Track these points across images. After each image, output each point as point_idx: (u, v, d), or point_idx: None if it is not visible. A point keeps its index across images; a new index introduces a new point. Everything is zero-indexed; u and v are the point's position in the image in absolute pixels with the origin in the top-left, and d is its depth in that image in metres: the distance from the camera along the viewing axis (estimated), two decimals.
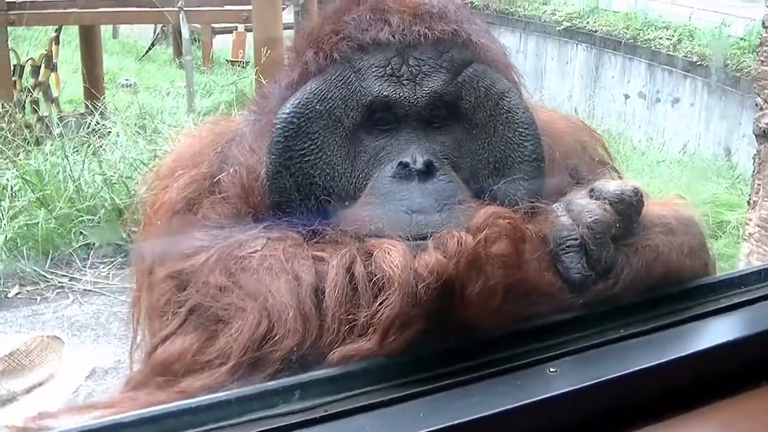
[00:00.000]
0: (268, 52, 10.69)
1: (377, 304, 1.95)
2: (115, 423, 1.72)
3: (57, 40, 15.26)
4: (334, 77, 2.45)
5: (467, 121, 2.47)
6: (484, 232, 1.99)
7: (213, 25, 22.61)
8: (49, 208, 9.43)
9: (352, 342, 1.96)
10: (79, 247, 9.08)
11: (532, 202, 2.24)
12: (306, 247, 2.19)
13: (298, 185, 2.38)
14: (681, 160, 18.47)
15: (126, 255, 8.62)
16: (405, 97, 2.42)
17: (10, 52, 14.44)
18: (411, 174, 2.31)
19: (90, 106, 13.10)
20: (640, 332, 2.11)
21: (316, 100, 2.42)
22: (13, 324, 8.14)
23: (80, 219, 9.29)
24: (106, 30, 21.17)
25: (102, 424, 1.72)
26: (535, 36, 34.12)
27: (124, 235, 8.81)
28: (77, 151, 10.70)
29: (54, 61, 14.98)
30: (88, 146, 10.74)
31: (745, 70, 24.97)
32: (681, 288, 2.27)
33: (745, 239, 6.40)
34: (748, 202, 6.42)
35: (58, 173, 9.84)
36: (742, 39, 26.24)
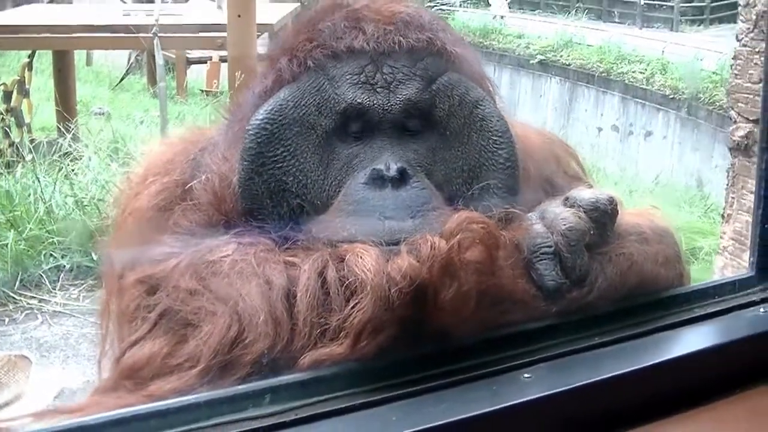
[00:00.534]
0: (242, 76, 10.69)
1: (349, 308, 1.94)
2: (81, 426, 1.71)
3: (30, 65, 15.19)
4: (307, 84, 2.44)
5: (441, 129, 2.47)
6: (458, 237, 1.98)
7: (188, 55, 22.58)
8: (19, 229, 9.35)
9: (323, 346, 1.94)
10: (49, 268, 9.02)
11: (506, 209, 2.23)
12: (278, 252, 2.17)
13: (270, 192, 2.36)
14: (654, 190, 18.57)
15: (97, 277, 8.57)
16: (379, 105, 2.41)
17: None
18: (384, 181, 2.30)
19: (62, 129, 13.06)
20: (614, 340, 2.11)
21: (289, 107, 2.41)
22: None
23: (50, 241, 9.23)
24: (79, 58, 21.13)
25: (68, 426, 1.71)
26: (510, 69, 34.36)
27: (95, 257, 8.76)
28: (48, 173, 10.67)
29: (27, 87, 14.89)
30: (60, 169, 10.70)
31: (718, 104, 25.17)
32: (655, 297, 2.27)
33: (719, 252, 6.42)
34: (722, 216, 6.46)
35: (28, 195, 9.80)
36: (714, 73, 26.45)
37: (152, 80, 20.61)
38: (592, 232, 2.14)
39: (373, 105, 2.41)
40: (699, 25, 40.45)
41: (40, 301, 8.69)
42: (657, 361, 2.08)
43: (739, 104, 6.02)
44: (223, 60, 19.44)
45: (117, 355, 2.24)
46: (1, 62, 19.44)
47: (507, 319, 2.07)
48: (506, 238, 2.10)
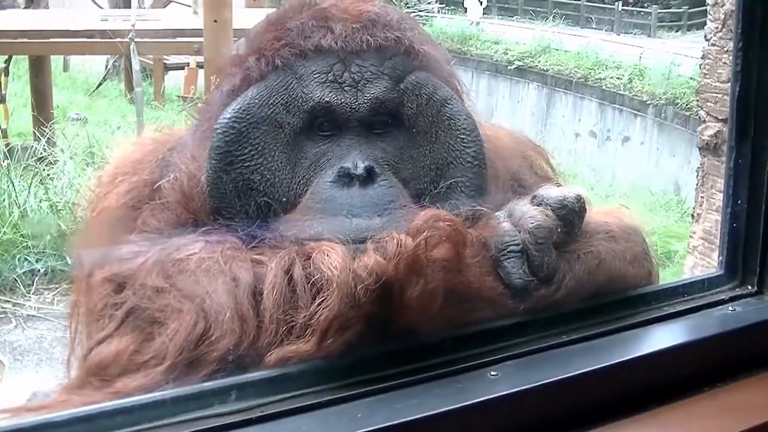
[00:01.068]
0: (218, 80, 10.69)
1: (316, 305, 1.93)
2: (47, 422, 1.70)
3: (6, 71, 15.17)
4: (275, 83, 2.44)
5: (409, 127, 2.47)
6: (424, 234, 1.98)
7: (165, 61, 22.56)
8: None
9: (290, 343, 1.93)
10: (23, 272, 8.99)
11: (473, 207, 2.23)
12: (245, 250, 2.17)
13: (238, 191, 2.36)
14: (630, 194, 18.65)
15: (71, 281, 8.54)
16: (346, 103, 2.41)
17: None
18: (352, 179, 2.30)
19: (38, 134, 13.03)
20: (582, 338, 2.12)
21: (257, 106, 2.41)
22: None
23: (25, 245, 9.20)
24: (56, 64, 21.07)
25: (33, 423, 1.69)
26: (487, 75, 34.43)
27: (69, 261, 8.74)
28: (24, 178, 10.63)
29: (3, 92, 14.87)
30: (35, 174, 10.67)
31: (694, 110, 25.29)
32: (624, 295, 2.28)
33: (689, 252, 6.45)
34: (692, 215, 6.48)
35: (3, 199, 9.76)
36: (691, 78, 26.58)
37: (129, 86, 20.55)
38: (559, 230, 2.14)
39: (341, 104, 2.41)
40: (677, 31, 40.67)
41: (14, 304, 8.66)
42: (625, 358, 2.09)
43: (708, 104, 6.05)
44: (200, 66, 19.42)
45: (84, 352, 2.24)
46: None
47: (474, 317, 2.07)
48: (473, 236, 2.11)
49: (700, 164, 6.27)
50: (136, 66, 13.40)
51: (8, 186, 10.01)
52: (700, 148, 6.23)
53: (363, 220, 2.22)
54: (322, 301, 1.92)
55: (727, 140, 2.45)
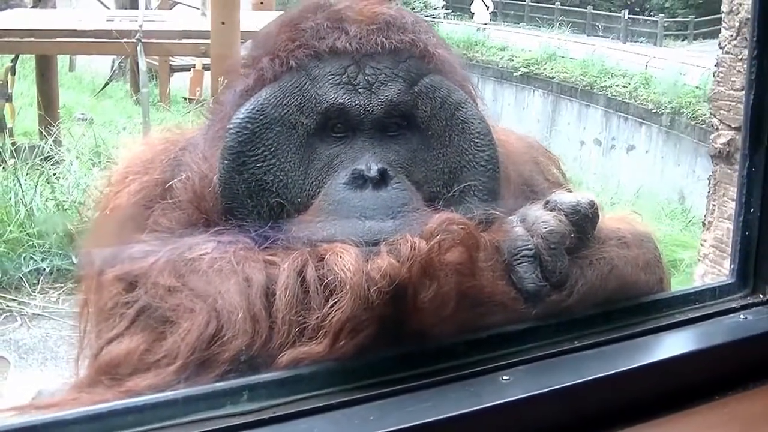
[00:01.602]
0: (225, 83, 10.69)
1: (328, 307, 1.93)
2: (58, 420, 1.69)
3: (13, 70, 15.14)
4: (289, 84, 2.44)
5: (423, 130, 2.47)
6: (438, 237, 1.97)
7: (171, 62, 22.57)
8: None
9: (302, 345, 1.93)
10: (28, 271, 8.99)
11: (486, 211, 2.23)
12: (257, 251, 2.16)
13: (250, 191, 2.36)
14: (635, 203, 18.63)
15: (76, 280, 8.54)
16: (360, 105, 2.40)
17: None
18: (365, 182, 2.30)
19: (45, 133, 13.04)
20: (593, 344, 2.11)
21: (270, 107, 2.40)
22: None
23: (30, 243, 9.20)
24: (62, 64, 21.07)
25: (45, 420, 1.69)
26: (493, 81, 34.45)
27: (75, 260, 8.74)
28: (30, 177, 10.64)
29: (9, 91, 14.84)
30: (41, 173, 10.68)
31: (700, 119, 25.28)
32: (635, 302, 2.27)
33: (699, 260, 6.44)
34: (703, 223, 6.48)
35: (9, 198, 9.76)
36: (697, 88, 26.57)
37: (135, 87, 20.55)
38: (572, 235, 2.14)
39: (355, 105, 2.41)
40: (683, 41, 40.69)
41: (19, 303, 8.66)
42: (637, 365, 2.08)
43: (722, 111, 6.05)
44: (206, 68, 19.44)
45: (95, 351, 2.23)
46: None
47: (486, 321, 2.06)
48: (486, 240, 2.10)
49: (712, 172, 6.27)
50: (142, 67, 13.41)
51: (15, 185, 10.01)
52: (712, 156, 6.23)
53: (376, 223, 2.22)
54: (335, 302, 1.92)
55: (740, 148, 2.45)
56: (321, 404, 1.79)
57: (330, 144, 2.42)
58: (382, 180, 2.30)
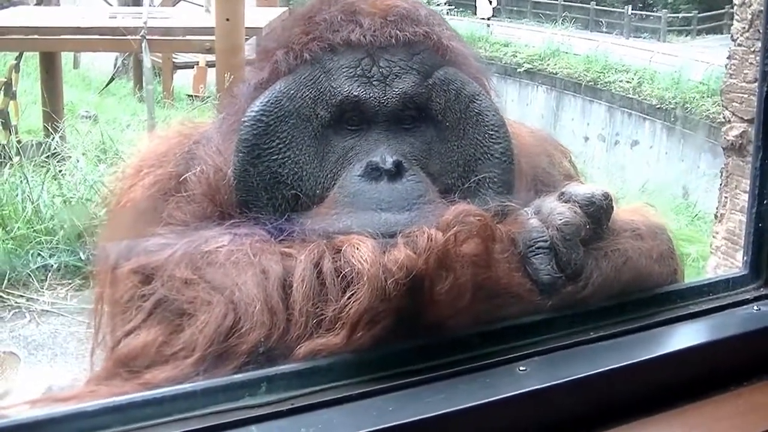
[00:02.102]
0: (231, 78, 10.70)
1: (345, 298, 1.93)
2: (79, 412, 1.70)
3: (17, 67, 15.12)
4: (304, 77, 2.44)
5: (437, 122, 2.47)
6: (454, 229, 1.98)
7: (174, 60, 22.57)
8: (7, 228, 9.35)
9: (319, 336, 1.93)
10: (36, 267, 8.98)
11: (502, 203, 2.23)
12: (273, 243, 2.17)
13: (265, 184, 2.36)
14: (640, 198, 18.65)
15: (84, 276, 8.56)
16: (375, 98, 2.41)
17: None
18: (380, 174, 2.30)
19: (50, 130, 13.05)
20: (609, 335, 2.12)
21: (285, 99, 2.41)
22: None
23: (38, 240, 9.20)
24: (66, 61, 21.07)
25: (65, 412, 1.69)
26: (496, 77, 34.47)
27: (82, 257, 8.75)
28: (36, 173, 10.65)
29: (13, 89, 14.82)
30: (48, 170, 10.69)
31: (704, 114, 25.30)
32: (650, 293, 2.27)
33: (712, 252, 6.44)
34: (716, 215, 6.47)
35: (16, 195, 9.77)
36: (701, 83, 26.57)
37: (139, 84, 20.55)
38: (587, 227, 2.14)
39: (370, 98, 2.41)
40: (686, 36, 40.66)
41: (28, 299, 8.65)
42: (652, 356, 2.09)
43: (734, 104, 6.04)
44: (209, 65, 19.44)
45: (112, 344, 2.24)
46: None
47: (502, 313, 2.07)
48: (502, 231, 2.11)
49: (725, 164, 6.27)
50: (147, 64, 13.40)
51: (22, 182, 10.02)
52: (724, 149, 6.23)
53: (391, 215, 2.22)
54: (352, 294, 1.92)
55: (753, 140, 2.45)
56: (339, 395, 1.80)
57: (345, 136, 2.43)
58: (397, 172, 2.31)
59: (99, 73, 25.38)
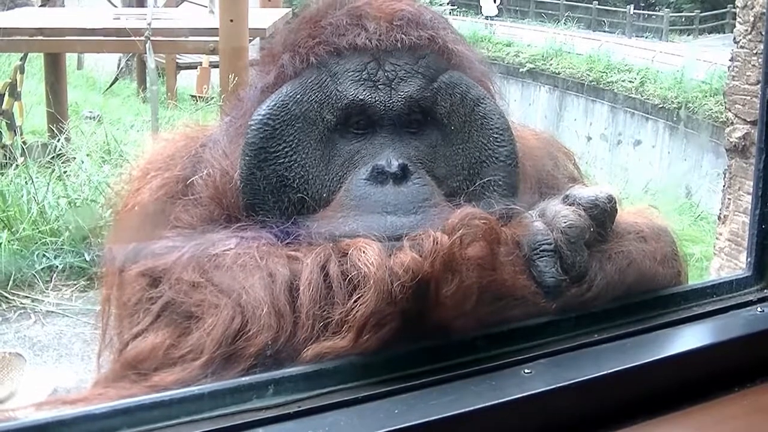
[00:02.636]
0: (236, 79, 10.73)
1: (352, 301, 1.94)
2: (87, 414, 1.70)
3: (22, 68, 15.10)
4: (310, 80, 2.45)
5: (443, 126, 2.48)
6: (460, 232, 1.98)
7: (177, 60, 22.56)
8: (12, 229, 9.35)
9: (326, 339, 1.94)
10: (41, 268, 8.99)
11: (507, 206, 2.24)
12: (280, 246, 2.18)
13: (272, 187, 2.37)
14: (643, 198, 18.64)
15: (89, 277, 8.57)
16: (381, 102, 2.42)
17: None
18: (386, 177, 2.31)
19: (55, 131, 13.05)
20: (613, 337, 2.12)
21: (291, 103, 2.42)
22: None
23: (43, 241, 9.21)
24: (70, 62, 21.06)
25: (73, 415, 1.70)
26: (499, 77, 34.40)
27: (87, 258, 8.75)
28: (41, 174, 10.65)
29: (18, 89, 14.81)
30: (53, 171, 10.69)
31: (707, 113, 25.27)
32: (654, 295, 2.28)
33: (715, 253, 6.44)
34: (719, 217, 6.47)
35: (21, 196, 9.77)
36: (703, 82, 26.53)
37: (143, 85, 20.54)
38: (591, 229, 2.15)
39: (375, 102, 2.42)
40: (688, 35, 40.63)
41: (33, 300, 8.65)
42: (657, 357, 2.09)
43: (737, 106, 6.04)
44: (213, 65, 19.44)
45: (119, 346, 2.25)
46: None
47: (507, 315, 2.07)
48: (507, 234, 2.12)
49: (728, 166, 6.27)
50: (151, 64, 13.41)
51: (27, 182, 10.02)
52: (727, 150, 6.23)
53: (397, 218, 2.23)
54: (359, 297, 1.93)
55: (756, 142, 2.45)
56: (346, 398, 1.80)
57: (350, 140, 2.44)
58: (402, 175, 2.31)
59: (103, 74, 25.36)
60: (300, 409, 1.76)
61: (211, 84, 21.02)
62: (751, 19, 5.87)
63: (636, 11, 43.09)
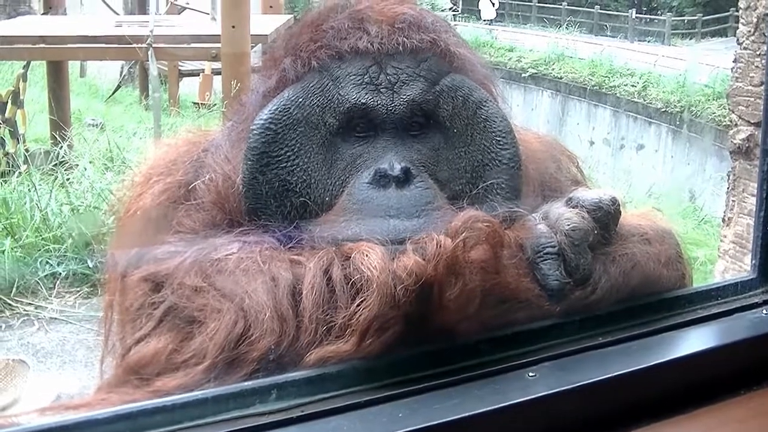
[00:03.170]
0: (238, 86, 10.73)
1: (355, 305, 1.93)
2: (90, 419, 1.70)
3: (24, 76, 15.13)
4: (312, 84, 2.45)
5: (445, 129, 2.48)
6: (463, 235, 1.98)
7: (180, 67, 22.58)
8: (16, 236, 9.36)
9: (329, 344, 1.93)
10: (45, 275, 8.99)
11: (510, 209, 2.24)
12: (283, 251, 2.17)
13: (274, 192, 2.37)
14: (647, 202, 18.64)
15: (92, 284, 8.58)
16: (382, 105, 2.42)
17: None
18: (388, 181, 2.30)
19: (58, 138, 13.07)
20: (618, 340, 2.11)
21: (293, 107, 2.41)
22: None
23: (46, 248, 9.21)
24: (72, 70, 21.08)
25: (76, 420, 1.70)
26: (501, 82, 34.40)
27: (90, 265, 8.76)
28: (44, 181, 10.67)
29: (21, 98, 14.82)
30: (56, 178, 10.70)
31: (710, 117, 25.26)
32: (658, 298, 2.27)
33: (720, 256, 6.43)
34: (723, 219, 6.46)
35: (24, 203, 9.79)
36: (706, 86, 26.52)
37: (145, 92, 20.54)
38: (595, 232, 2.14)
39: (377, 105, 2.42)
40: (690, 39, 40.65)
41: (36, 307, 8.66)
42: (661, 360, 2.08)
43: (740, 107, 6.03)
44: (215, 72, 19.45)
45: (122, 351, 2.25)
46: None
47: (511, 318, 2.07)
48: (510, 237, 2.11)
49: (732, 168, 6.26)
50: (153, 72, 13.41)
51: (30, 190, 10.04)
52: (731, 152, 6.22)
53: (400, 221, 2.23)
54: (362, 301, 1.92)
55: (760, 144, 2.45)
56: (349, 402, 1.80)
57: (353, 144, 2.43)
58: (405, 179, 2.31)
59: (105, 82, 25.40)
60: (303, 413, 1.75)
61: (213, 91, 21.03)
62: (754, 20, 5.86)
63: (638, 15, 43.14)
